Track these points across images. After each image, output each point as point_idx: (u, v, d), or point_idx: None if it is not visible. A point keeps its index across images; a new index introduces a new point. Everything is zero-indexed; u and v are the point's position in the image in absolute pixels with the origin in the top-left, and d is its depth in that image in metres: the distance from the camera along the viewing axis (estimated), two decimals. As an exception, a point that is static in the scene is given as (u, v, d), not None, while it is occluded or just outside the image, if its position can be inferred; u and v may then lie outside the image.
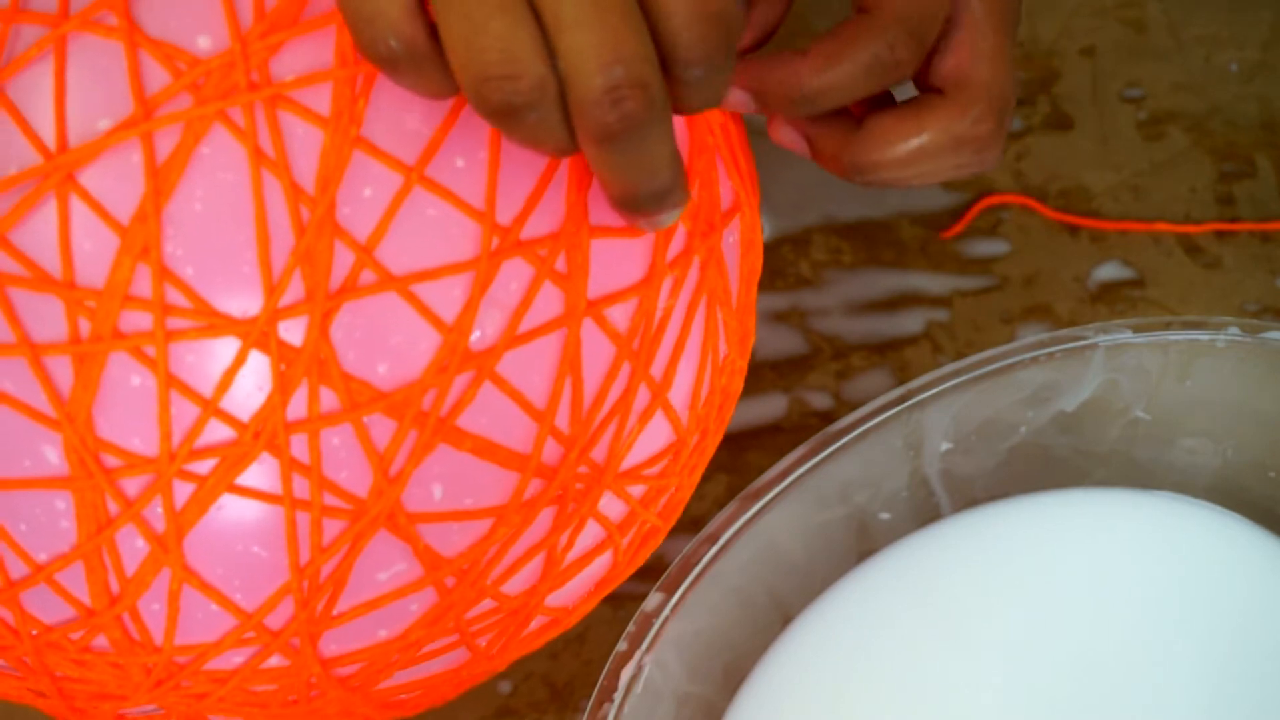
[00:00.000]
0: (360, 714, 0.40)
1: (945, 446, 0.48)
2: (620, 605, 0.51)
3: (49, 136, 0.34)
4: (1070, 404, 0.48)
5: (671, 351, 0.39)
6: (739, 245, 0.40)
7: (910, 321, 0.55)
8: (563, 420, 0.37)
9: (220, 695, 0.38)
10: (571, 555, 0.39)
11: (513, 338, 0.36)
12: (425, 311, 0.35)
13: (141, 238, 0.34)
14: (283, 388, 0.34)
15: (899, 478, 0.48)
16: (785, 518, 0.47)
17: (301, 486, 0.35)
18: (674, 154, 0.34)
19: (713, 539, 0.45)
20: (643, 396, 0.38)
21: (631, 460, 0.39)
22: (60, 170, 0.34)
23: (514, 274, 0.36)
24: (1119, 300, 0.55)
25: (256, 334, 0.34)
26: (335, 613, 0.37)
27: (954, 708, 0.44)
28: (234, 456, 0.35)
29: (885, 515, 0.48)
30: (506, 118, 0.33)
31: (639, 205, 0.35)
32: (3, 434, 0.35)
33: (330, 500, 0.35)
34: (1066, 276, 0.55)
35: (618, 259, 0.37)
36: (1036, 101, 0.58)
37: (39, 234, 0.35)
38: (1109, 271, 0.55)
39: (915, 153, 0.41)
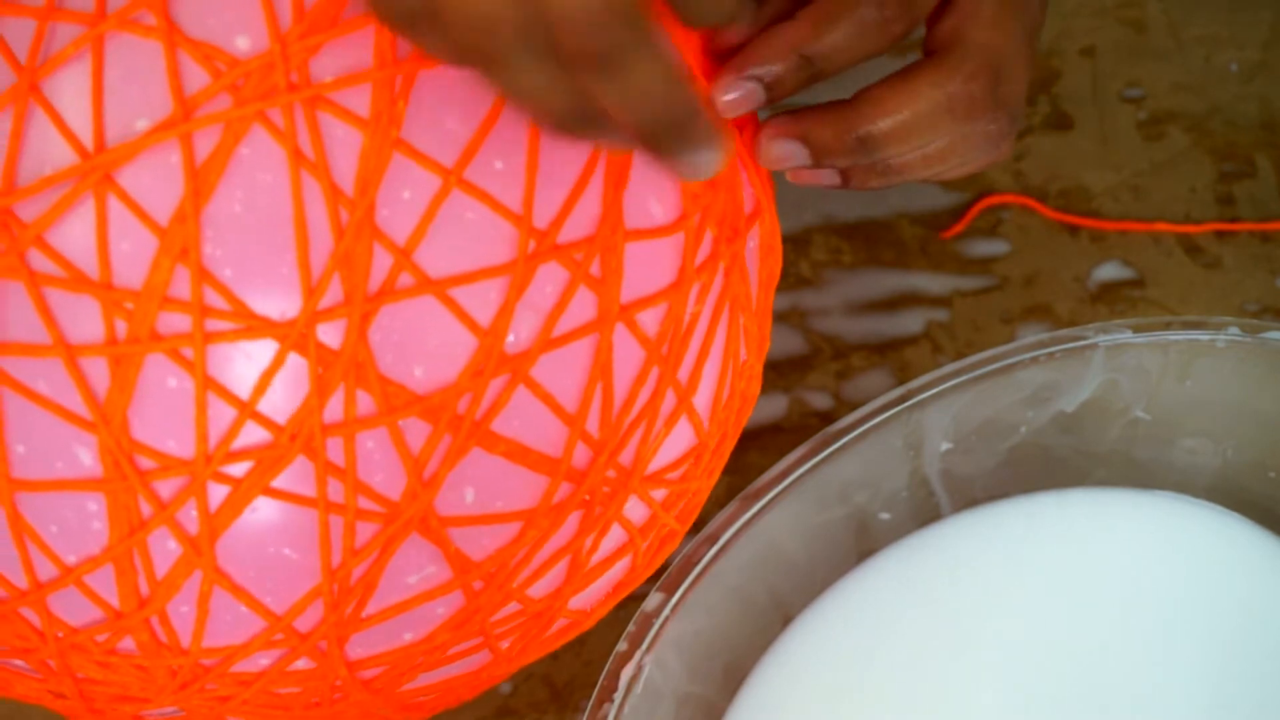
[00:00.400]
0: (379, 716, 0.40)
1: (945, 446, 0.48)
2: (620, 605, 0.51)
3: (86, 136, 0.34)
4: (1070, 404, 0.48)
5: (697, 356, 0.39)
6: (759, 250, 0.40)
7: (910, 321, 0.55)
8: (591, 424, 0.37)
9: (244, 698, 0.38)
10: (595, 558, 0.39)
11: (547, 342, 0.36)
12: (462, 315, 0.35)
13: (180, 239, 0.34)
14: (320, 391, 0.34)
15: (899, 478, 0.48)
16: (785, 518, 0.47)
17: (335, 489, 0.35)
18: (674, 75, 0.33)
19: (713, 539, 0.45)
20: (668, 400, 0.38)
21: (655, 464, 0.39)
22: (98, 170, 0.34)
23: (549, 277, 0.36)
24: (1119, 300, 0.55)
25: (295, 337, 0.34)
26: (364, 615, 0.37)
27: (954, 707, 0.44)
28: (270, 459, 0.35)
29: (885, 515, 0.48)
30: (491, 65, 0.32)
31: (659, 143, 0.34)
32: (36, 435, 0.35)
33: (364, 503, 0.36)
34: (1066, 276, 0.55)
35: (647, 263, 0.37)
36: (1036, 101, 0.58)
37: (76, 234, 0.34)
38: (1109, 271, 0.55)
39: (912, 120, 0.41)
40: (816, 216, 0.57)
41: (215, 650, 0.37)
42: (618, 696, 0.44)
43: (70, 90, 0.35)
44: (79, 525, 0.36)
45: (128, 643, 0.37)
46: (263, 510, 0.35)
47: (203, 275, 0.34)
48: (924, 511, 0.48)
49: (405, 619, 0.37)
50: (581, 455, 0.37)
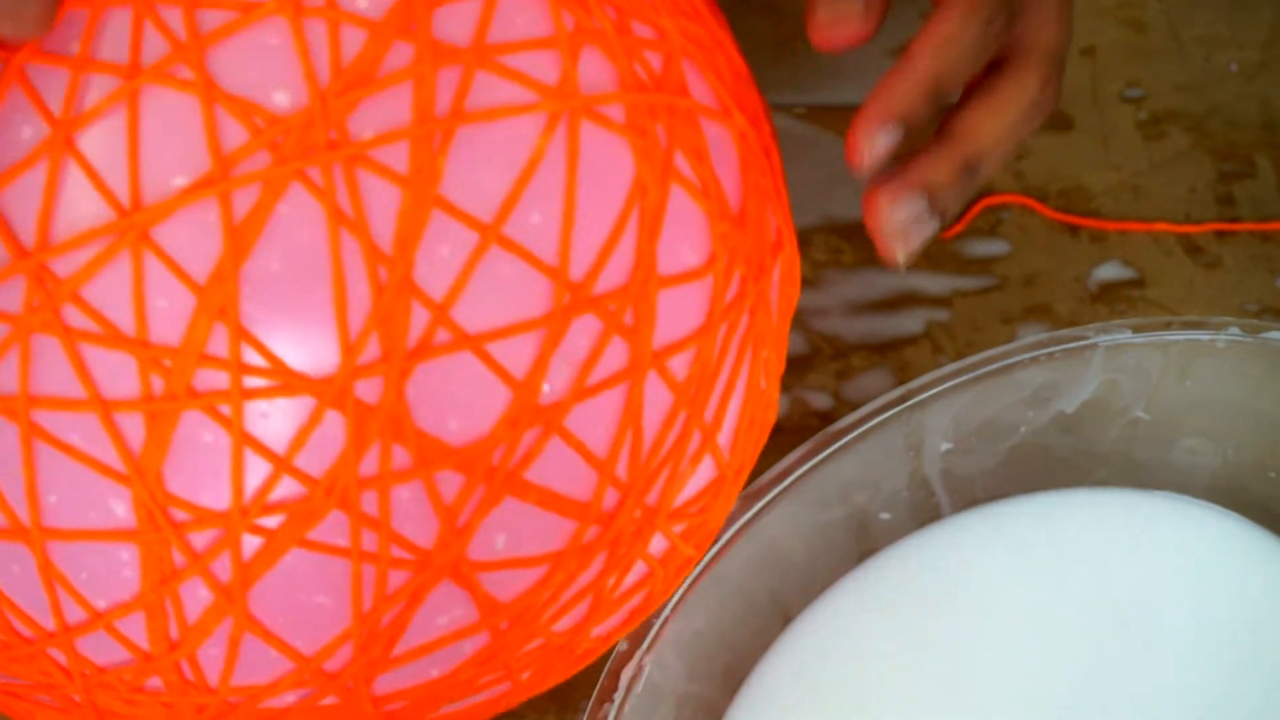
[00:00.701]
0: None
1: (945, 446, 0.48)
2: (620, 605, 0.51)
3: (123, 192, 0.34)
4: (1070, 404, 0.48)
5: (721, 394, 0.39)
6: (779, 280, 0.40)
7: (910, 321, 0.55)
8: (619, 467, 0.37)
9: None
10: (617, 593, 0.40)
11: (580, 391, 0.36)
12: (497, 369, 0.35)
13: (218, 297, 0.34)
14: (356, 446, 0.35)
15: (899, 478, 0.48)
16: (785, 518, 0.47)
17: (368, 539, 0.35)
18: None
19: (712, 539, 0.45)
20: (694, 439, 0.39)
21: (678, 500, 0.39)
22: (135, 228, 0.34)
23: (582, 328, 0.36)
24: (1119, 300, 0.55)
25: (333, 393, 0.34)
26: (392, 655, 0.37)
27: (954, 707, 0.44)
28: (304, 512, 0.35)
29: (885, 515, 0.48)
30: None
31: None
32: (70, 487, 0.35)
33: (396, 552, 0.36)
34: (1066, 276, 0.55)
35: (676, 307, 0.38)
36: (1036, 101, 0.58)
37: (112, 290, 0.34)
38: (1109, 271, 0.55)
39: (1008, 134, 0.42)
40: (817, 217, 0.57)
41: (243, 689, 0.37)
42: (618, 696, 0.44)
43: (105, 144, 0.35)
44: (110, 573, 0.36)
45: (155, 680, 0.37)
46: (295, 559, 0.36)
47: (240, 333, 0.34)
48: (924, 511, 0.48)
49: (432, 658, 0.38)
50: (609, 498, 0.37)
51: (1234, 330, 0.46)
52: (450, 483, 0.36)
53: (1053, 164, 0.57)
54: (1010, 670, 0.45)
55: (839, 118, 0.58)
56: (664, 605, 0.44)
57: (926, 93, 0.41)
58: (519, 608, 0.38)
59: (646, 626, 0.44)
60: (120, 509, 0.35)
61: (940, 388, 0.47)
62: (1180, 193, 0.57)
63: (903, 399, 0.47)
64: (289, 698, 0.38)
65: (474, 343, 0.35)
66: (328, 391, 0.34)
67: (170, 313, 0.34)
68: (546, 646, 0.39)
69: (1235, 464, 0.48)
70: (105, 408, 0.35)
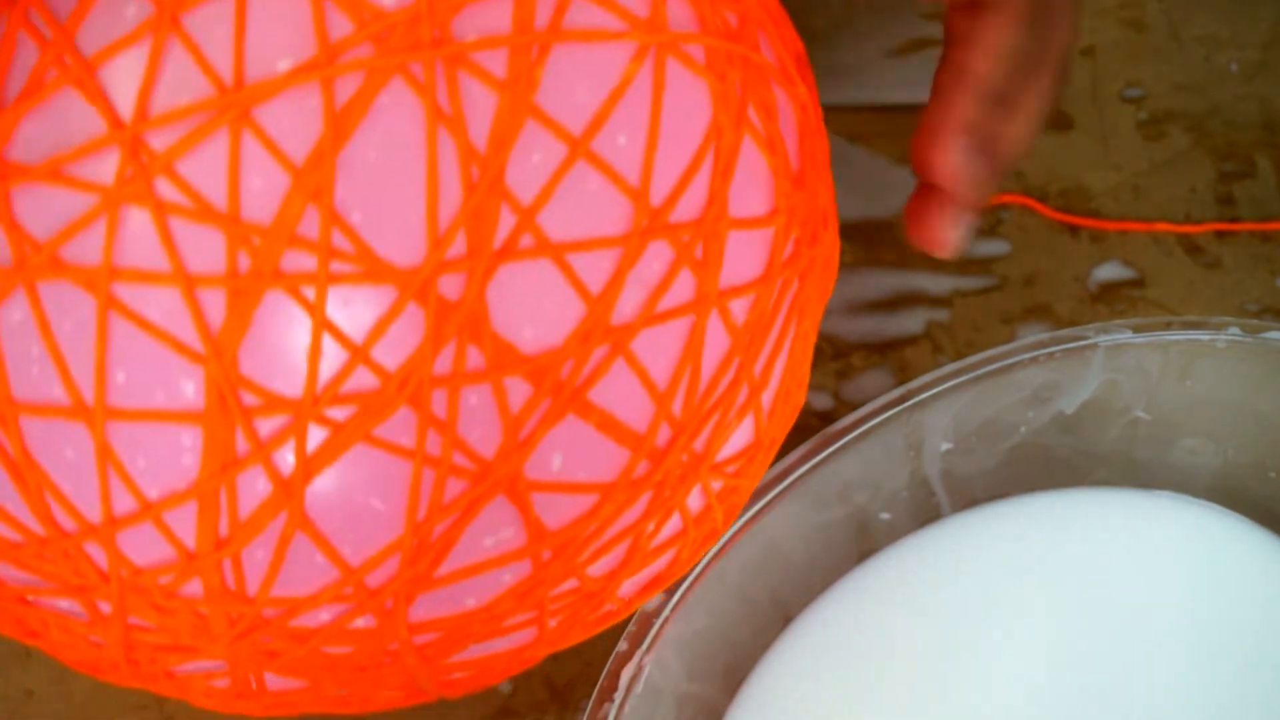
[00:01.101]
0: (416, 688, 0.40)
1: (945, 446, 0.48)
2: (620, 605, 0.51)
3: (226, 72, 0.35)
4: (1070, 404, 0.48)
5: (769, 353, 0.40)
6: (821, 260, 0.41)
7: (910, 321, 0.55)
8: (674, 405, 0.39)
9: (295, 655, 0.38)
10: (652, 544, 0.41)
11: (649, 317, 0.37)
12: (575, 281, 0.36)
13: (314, 180, 0.35)
14: (435, 341, 0.35)
15: (899, 478, 0.48)
16: (785, 518, 0.47)
17: (432, 442, 0.36)
18: None
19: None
20: (742, 392, 0.40)
21: (719, 455, 0.41)
22: (237, 105, 0.35)
23: (655, 255, 0.37)
24: (1119, 300, 0.55)
25: (417, 286, 0.35)
26: (436, 575, 0.38)
27: (954, 707, 0.44)
28: (375, 406, 0.36)
29: (885, 515, 0.48)
30: None
31: None
32: (140, 363, 0.36)
33: (458, 459, 0.37)
34: (1066, 276, 0.55)
35: (738, 252, 0.39)
36: (1037, 101, 0.58)
37: (207, 168, 0.35)
38: (1109, 271, 0.56)
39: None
40: (816, 216, 0.57)
41: (281, 600, 0.38)
42: (618, 696, 0.44)
43: (211, 26, 0.36)
44: (168, 459, 0.36)
45: (193, 586, 0.38)
46: (356, 457, 0.36)
47: (332, 217, 0.35)
48: (924, 511, 0.48)
49: (471, 584, 0.38)
50: (662, 434, 0.39)
51: (1234, 330, 0.46)
52: (518, 392, 0.37)
53: (1053, 164, 0.57)
54: (1010, 670, 0.45)
55: (838, 117, 0.58)
56: (664, 605, 0.45)
57: (991, 105, 0.43)
58: (564, 537, 0.38)
59: (646, 626, 0.44)
60: (189, 389, 0.36)
61: (940, 388, 0.47)
62: (1180, 193, 0.57)
63: (903, 399, 0.47)
64: (324, 615, 0.38)
65: (556, 251, 0.36)
66: (411, 283, 0.35)
67: (263, 192, 0.35)
68: (579, 591, 0.40)
69: (1235, 464, 0.48)
70: (189, 282, 0.35)
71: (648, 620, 0.45)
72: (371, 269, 0.35)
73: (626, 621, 0.46)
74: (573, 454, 0.38)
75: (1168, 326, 0.47)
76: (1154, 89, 0.59)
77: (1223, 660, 0.44)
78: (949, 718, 0.45)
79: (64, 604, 0.39)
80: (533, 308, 0.36)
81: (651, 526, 0.40)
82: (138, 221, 0.35)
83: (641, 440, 0.38)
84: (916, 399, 0.47)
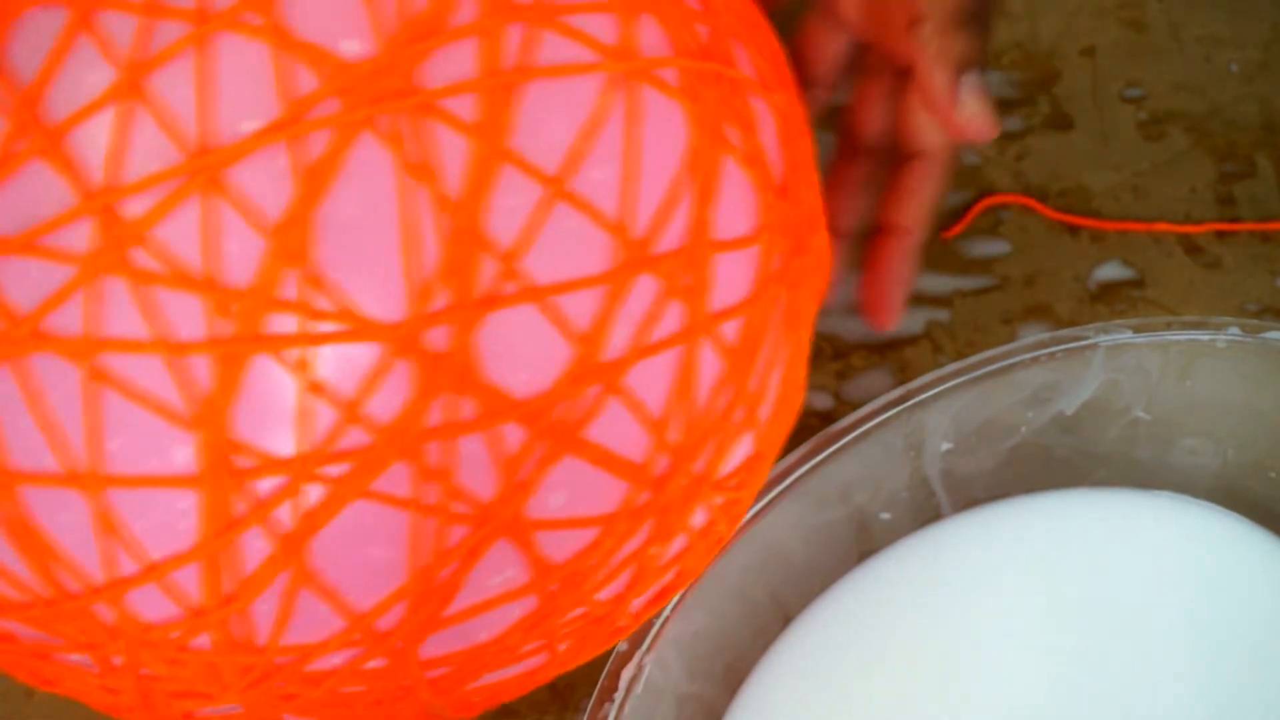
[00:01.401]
0: (434, 714, 0.40)
1: (945, 446, 0.48)
2: (620, 605, 0.51)
3: (192, 136, 0.35)
4: (1070, 404, 0.48)
5: (764, 368, 0.40)
6: (811, 265, 0.41)
7: (910, 321, 0.55)
8: (672, 432, 0.38)
9: (310, 697, 0.38)
10: (659, 562, 0.41)
11: (640, 350, 0.37)
12: (562, 323, 0.36)
13: (290, 241, 0.35)
14: (425, 394, 0.35)
15: (899, 478, 0.48)
16: (785, 518, 0.47)
17: (430, 491, 0.36)
18: None
19: (713, 539, 0.45)
20: (739, 411, 0.40)
21: (721, 470, 0.40)
22: (205, 170, 0.35)
23: (642, 287, 0.37)
24: (1119, 300, 0.55)
25: (402, 340, 0.35)
26: (443, 615, 0.38)
27: (954, 707, 0.44)
28: (369, 461, 0.35)
29: (885, 515, 0.48)
30: None
31: None
32: (133, 431, 0.36)
33: (457, 506, 0.36)
34: (1066, 276, 0.55)
35: (725, 274, 0.39)
36: (1037, 101, 0.58)
37: (181, 234, 0.35)
38: (1109, 271, 0.56)
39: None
40: (816, 216, 0.57)
41: (291, 649, 0.38)
42: (618, 696, 0.44)
43: (174, 90, 0.35)
44: (167, 522, 0.36)
45: (202, 639, 0.38)
46: (355, 511, 0.36)
47: (311, 278, 0.35)
48: (924, 511, 0.48)
49: (480, 621, 0.38)
50: (660, 463, 0.38)
51: (1234, 330, 0.46)
52: (513, 436, 0.36)
53: (1053, 164, 0.57)
54: (1010, 670, 0.45)
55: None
56: (664, 605, 0.45)
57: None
58: (569, 570, 0.38)
59: (647, 626, 0.44)
60: (182, 455, 0.36)
61: (940, 388, 0.47)
62: (1180, 193, 0.57)
63: (903, 399, 0.47)
64: (335, 659, 0.38)
65: (540, 294, 0.36)
66: (396, 338, 0.35)
67: (240, 256, 0.35)
68: (588, 616, 0.40)
69: (1236, 464, 0.48)
70: (172, 350, 0.35)
71: (648, 620, 0.45)
72: (356, 327, 0.35)
73: (627, 622, 0.46)
74: (572, 491, 0.37)
75: (1168, 326, 0.47)
76: (1154, 89, 0.59)
77: (1223, 660, 0.44)
78: (949, 718, 0.45)
79: (76, 658, 0.39)
80: (522, 352, 0.36)
81: (655, 550, 0.40)
82: (117, 290, 0.35)
83: (640, 470, 0.38)
84: (916, 399, 0.47)
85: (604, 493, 0.38)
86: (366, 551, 0.36)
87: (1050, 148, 0.58)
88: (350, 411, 0.35)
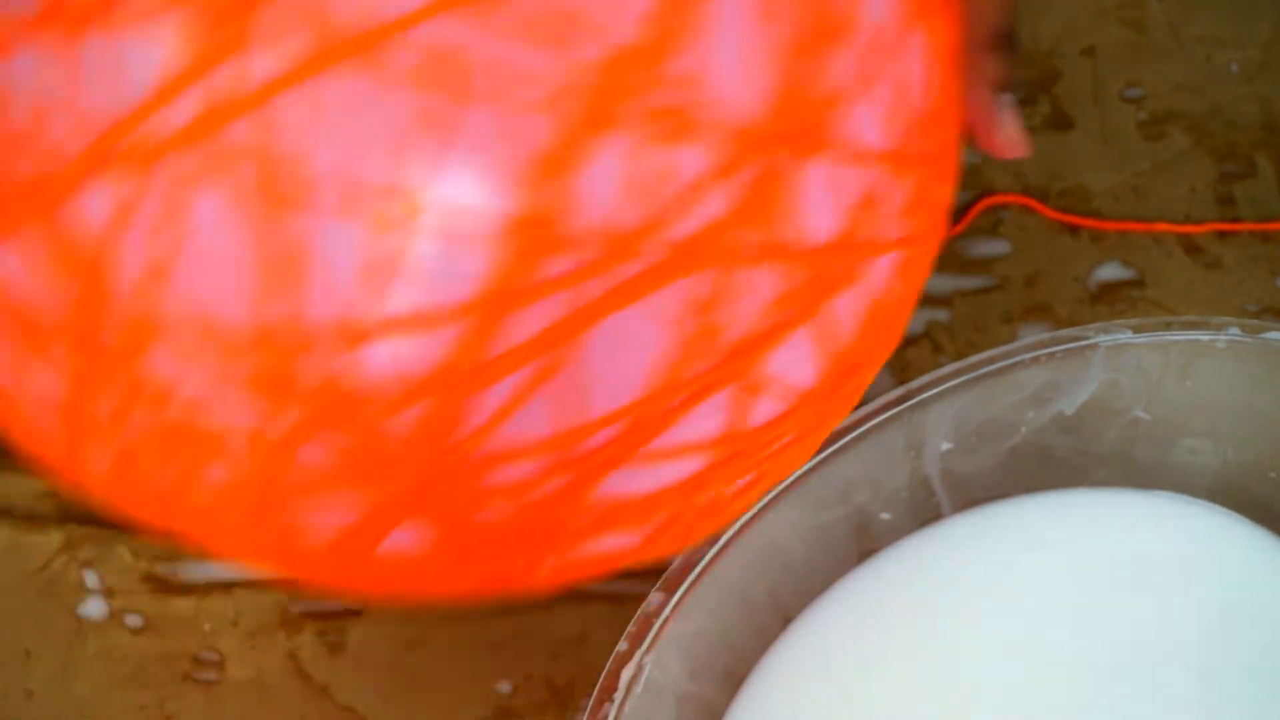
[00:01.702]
0: (511, 578, 0.38)
1: (945, 446, 0.48)
2: (621, 605, 0.51)
3: None
4: (1070, 404, 0.48)
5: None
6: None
7: (910, 321, 0.55)
8: None
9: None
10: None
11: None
12: None
13: None
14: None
15: (899, 478, 0.48)
16: (785, 518, 0.47)
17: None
18: None
19: (713, 539, 0.45)
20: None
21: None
22: None
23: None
24: (1119, 300, 0.55)
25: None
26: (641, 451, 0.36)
27: (954, 707, 0.44)
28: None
29: (885, 515, 0.48)
30: None
31: None
32: None
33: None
34: (1066, 276, 0.55)
35: None
36: (1037, 101, 0.58)
37: None
38: (1109, 271, 0.56)
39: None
40: (817, 216, 0.57)
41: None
42: (618, 696, 0.44)
43: None
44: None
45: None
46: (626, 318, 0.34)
47: None
48: (924, 511, 0.48)
49: (662, 468, 0.36)
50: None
51: (1234, 330, 0.46)
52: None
53: (1053, 164, 0.57)
54: (1010, 670, 0.45)
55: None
56: (664, 605, 0.45)
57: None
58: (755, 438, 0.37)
59: (646, 626, 0.44)
60: None
61: (940, 388, 0.47)
62: (1180, 193, 0.57)
63: (903, 399, 0.47)
64: (521, 469, 0.35)
65: None
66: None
67: None
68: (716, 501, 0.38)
69: (1236, 464, 0.48)
70: None
71: (648, 620, 0.45)
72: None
73: (626, 621, 0.46)
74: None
75: (1168, 326, 0.47)
76: (1154, 89, 0.59)
77: (1223, 660, 0.44)
78: (949, 718, 0.45)
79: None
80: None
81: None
82: None
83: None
84: (916, 399, 0.47)
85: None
86: (619, 357, 0.34)
87: (1050, 148, 0.58)
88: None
